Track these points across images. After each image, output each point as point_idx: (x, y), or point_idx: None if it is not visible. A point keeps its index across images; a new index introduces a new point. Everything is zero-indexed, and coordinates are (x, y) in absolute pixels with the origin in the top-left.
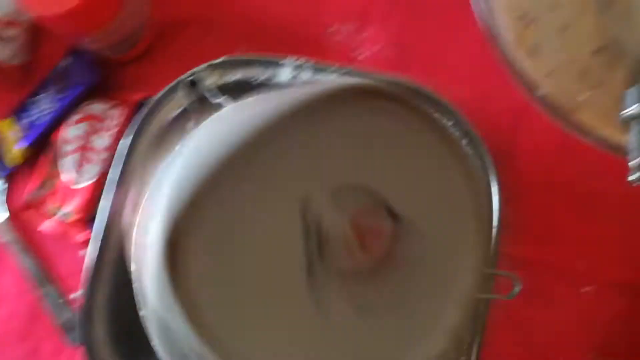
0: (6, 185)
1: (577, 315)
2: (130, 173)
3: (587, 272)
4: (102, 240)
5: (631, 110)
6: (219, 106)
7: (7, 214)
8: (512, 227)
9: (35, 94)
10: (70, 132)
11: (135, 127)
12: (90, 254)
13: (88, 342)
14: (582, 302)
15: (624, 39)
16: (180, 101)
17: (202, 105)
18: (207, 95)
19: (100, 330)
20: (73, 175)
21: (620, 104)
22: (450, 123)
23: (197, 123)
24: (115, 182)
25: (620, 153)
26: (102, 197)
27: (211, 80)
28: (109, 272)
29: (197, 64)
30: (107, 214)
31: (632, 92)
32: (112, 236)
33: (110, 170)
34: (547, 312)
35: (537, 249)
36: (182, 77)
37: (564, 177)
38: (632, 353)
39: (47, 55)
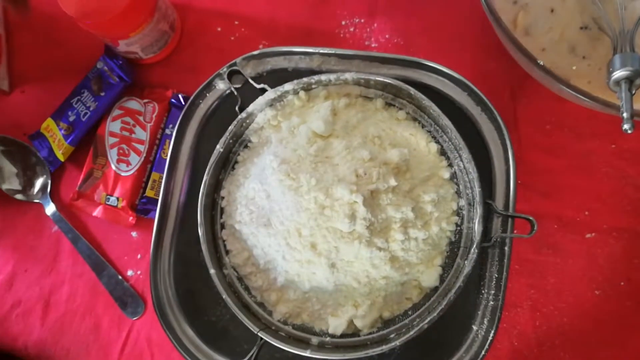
0: (49, 181)
1: (582, 259)
2: (183, 156)
3: (588, 221)
4: (163, 215)
5: (616, 74)
6: (263, 90)
7: (53, 206)
8: (520, 185)
9: (75, 94)
10: (114, 127)
11: (182, 117)
12: (154, 228)
13: (159, 304)
14: (585, 247)
15: (602, 17)
16: (219, 91)
17: (246, 91)
18: (251, 81)
19: (169, 292)
20: (119, 165)
21: (607, 69)
22: (465, 94)
23: (244, 105)
24: (172, 165)
25: (611, 110)
26: (163, 178)
27: (247, 71)
28: (170, 242)
29: (222, 63)
30: (166, 193)
31: (614, 60)
32: (170, 211)
33: (168, 154)
34: (556, 258)
35: (542, 203)
36: (222, 69)
37: (560, 139)
38: (630, 286)
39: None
